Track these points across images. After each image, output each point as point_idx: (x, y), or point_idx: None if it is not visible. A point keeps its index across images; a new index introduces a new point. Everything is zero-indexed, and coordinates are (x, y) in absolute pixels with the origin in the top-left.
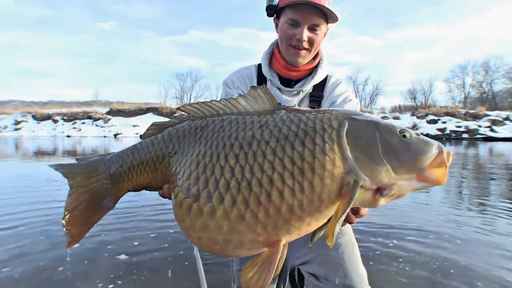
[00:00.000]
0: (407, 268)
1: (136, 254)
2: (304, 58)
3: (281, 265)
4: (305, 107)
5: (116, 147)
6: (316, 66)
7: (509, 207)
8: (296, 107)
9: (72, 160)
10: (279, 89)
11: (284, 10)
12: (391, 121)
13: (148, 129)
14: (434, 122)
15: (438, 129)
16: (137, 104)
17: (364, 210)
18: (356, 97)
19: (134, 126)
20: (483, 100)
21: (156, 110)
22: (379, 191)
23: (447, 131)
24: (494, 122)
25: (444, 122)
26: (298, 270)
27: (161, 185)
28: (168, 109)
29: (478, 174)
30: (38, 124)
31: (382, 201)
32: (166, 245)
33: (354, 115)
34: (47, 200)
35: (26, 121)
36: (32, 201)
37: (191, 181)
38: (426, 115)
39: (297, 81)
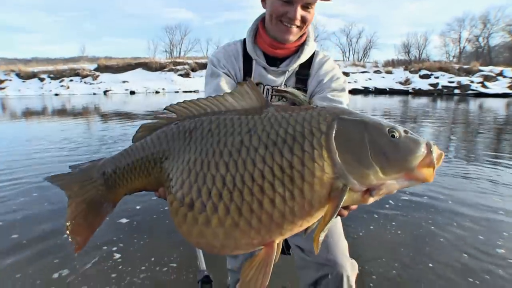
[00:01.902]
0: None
1: (136, 217)
2: (294, 36)
3: (279, 255)
4: (290, 88)
5: (107, 104)
6: (303, 44)
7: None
8: (283, 104)
9: (67, 168)
10: (264, 68)
11: None
12: (379, 119)
13: (137, 132)
14: (427, 77)
15: (430, 84)
16: (126, 59)
17: (354, 206)
18: (349, 51)
19: (124, 82)
20: (478, 55)
21: (145, 65)
22: (369, 191)
23: (439, 87)
24: (487, 78)
25: (437, 77)
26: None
27: (156, 188)
28: (158, 64)
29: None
30: (24, 83)
31: (371, 200)
32: (166, 208)
33: (343, 114)
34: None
35: (10, 80)
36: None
37: (184, 191)
38: (419, 69)
39: (282, 59)
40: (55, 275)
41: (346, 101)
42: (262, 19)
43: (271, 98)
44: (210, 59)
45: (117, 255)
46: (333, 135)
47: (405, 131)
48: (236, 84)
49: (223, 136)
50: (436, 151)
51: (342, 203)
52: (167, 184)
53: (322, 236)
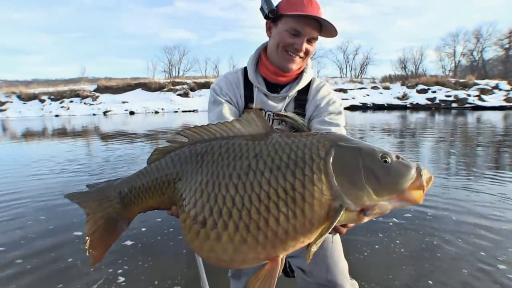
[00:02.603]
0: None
1: (141, 239)
2: (297, 65)
3: (282, 268)
4: (290, 113)
5: (106, 124)
6: (302, 71)
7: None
8: (281, 130)
9: (83, 187)
10: (265, 95)
11: (284, 17)
12: (373, 145)
13: (152, 155)
14: (424, 91)
15: (428, 99)
16: (125, 79)
17: (351, 224)
18: (346, 67)
19: (124, 102)
20: (473, 68)
21: (144, 86)
22: (363, 211)
23: (437, 101)
24: (483, 91)
25: (434, 92)
26: (288, 261)
27: (169, 206)
28: (157, 84)
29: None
30: (25, 105)
31: (366, 219)
32: (171, 229)
33: (340, 141)
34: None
35: (11, 102)
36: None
37: (198, 209)
38: (416, 84)
39: (283, 85)
40: None
41: (343, 123)
42: (264, 48)
43: (272, 122)
44: (212, 87)
45: (122, 278)
46: (331, 160)
47: (397, 157)
48: (237, 111)
49: (232, 160)
50: (425, 174)
51: (336, 222)
52: (180, 203)
53: (314, 248)
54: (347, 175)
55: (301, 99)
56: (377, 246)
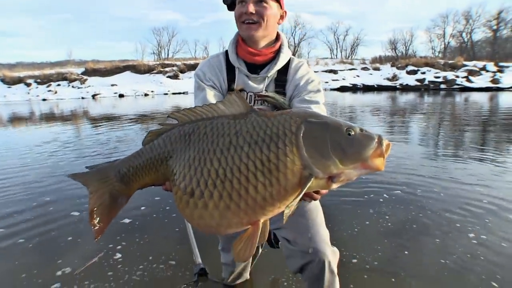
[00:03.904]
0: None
1: (138, 218)
2: (257, 31)
3: (267, 234)
4: (271, 93)
5: (95, 107)
6: (278, 51)
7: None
8: (264, 109)
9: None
10: (246, 76)
11: None
12: (340, 120)
13: (146, 136)
14: (413, 72)
15: (417, 80)
16: (114, 62)
17: (323, 191)
18: (336, 48)
19: (112, 85)
20: (462, 50)
21: (133, 68)
22: (331, 178)
23: (426, 82)
24: (471, 73)
25: (424, 73)
26: (274, 233)
27: (164, 182)
28: (146, 66)
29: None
30: (9, 89)
31: (334, 186)
32: (167, 207)
33: (310, 117)
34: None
35: None
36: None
37: (186, 182)
38: (406, 65)
39: (262, 66)
40: (58, 273)
41: (322, 100)
42: None
43: (255, 102)
44: (196, 73)
45: (118, 255)
46: (301, 134)
47: (361, 129)
48: (220, 94)
49: (215, 138)
50: (385, 143)
51: (307, 188)
52: (172, 178)
53: (287, 211)
54: (315, 147)
55: (281, 80)
56: (367, 222)
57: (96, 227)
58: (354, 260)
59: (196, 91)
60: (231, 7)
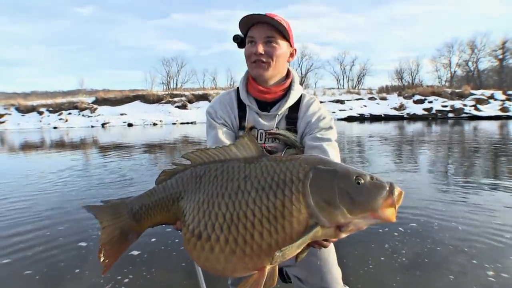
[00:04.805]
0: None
1: (146, 250)
2: (266, 71)
3: (275, 280)
4: (282, 130)
5: (104, 136)
6: (289, 88)
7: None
8: (275, 146)
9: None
10: (257, 113)
11: (246, 37)
12: (349, 167)
13: (159, 176)
14: (420, 102)
15: (425, 109)
16: (123, 91)
17: (333, 239)
18: (343, 78)
19: (122, 114)
20: (469, 79)
21: (143, 98)
22: (339, 227)
23: (433, 111)
24: (479, 101)
25: (431, 102)
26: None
27: (174, 222)
28: (155, 96)
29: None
30: (23, 117)
31: (342, 235)
32: (176, 240)
33: (319, 164)
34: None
35: (10, 114)
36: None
37: (195, 224)
38: (413, 95)
39: (272, 104)
40: None
41: (334, 137)
42: None
43: (266, 140)
44: (208, 111)
45: None
46: (308, 182)
47: (371, 177)
48: (232, 132)
49: (225, 181)
50: (397, 192)
51: (314, 237)
52: (183, 219)
53: (279, 253)
54: (322, 195)
55: (292, 117)
56: (382, 258)
57: (106, 261)
58: None
59: (207, 129)
60: (240, 45)
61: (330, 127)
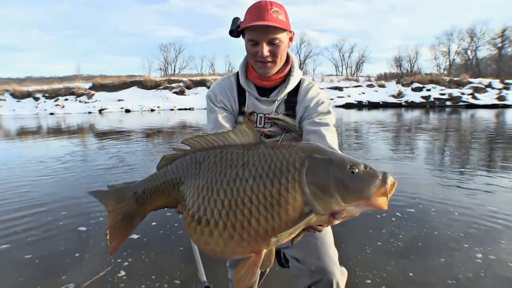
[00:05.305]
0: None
1: (146, 234)
2: (272, 69)
3: (272, 261)
4: (281, 115)
5: (102, 122)
6: (288, 74)
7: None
8: (273, 131)
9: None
10: (256, 98)
11: (245, 30)
12: (344, 156)
13: (160, 161)
14: (419, 89)
15: (423, 97)
16: (121, 77)
17: (327, 224)
18: (342, 65)
19: (119, 100)
20: (467, 67)
21: (140, 83)
22: (333, 214)
23: (431, 99)
24: (477, 90)
25: (429, 90)
26: (284, 252)
27: (176, 205)
28: (153, 82)
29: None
30: (18, 103)
31: (336, 221)
32: (176, 224)
33: (315, 152)
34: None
35: (5, 100)
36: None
37: (195, 209)
38: (411, 82)
39: (271, 89)
40: None
41: (332, 122)
42: None
43: (265, 124)
44: (208, 95)
45: (123, 272)
46: (304, 171)
47: (365, 167)
48: (231, 116)
49: (224, 168)
50: (390, 181)
51: (306, 223)
52: (183, 203)
53: (274, 239)
54: (317, 184)
55: (291, 101)
56: (379, 243)
57: (113, 243)
58: (368, 281)
59: (208, 113)
60: (236, 36)
61: (329, 112)
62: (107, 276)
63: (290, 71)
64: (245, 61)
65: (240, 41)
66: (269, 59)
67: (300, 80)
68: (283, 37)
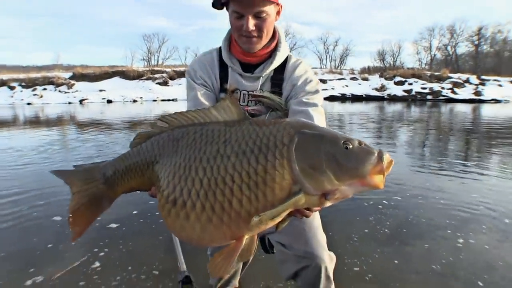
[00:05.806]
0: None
1: (125, 223)
2: (258, 44)
3: (252, 251)
4: (266, 93)
5: (83, 113)
6: (275, 49)
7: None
8: (258, 109)
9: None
10: (240, 75)
11: (229, 2)
12: (336, 132)
13: (134, 139)
14: (401, 83)
15: (405, 91)
16: (102, 67)
17: (316, 208)
18: (326, 58)
19: (101, 90)
20: (447, 62)
21: (122, 74)
22: (324, 195)
23: (413, 93)
24: (456, 85)
25: (411, 84)
26: (268, 238)
27: (149, 187)
28: (135, 72)
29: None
30: None
31: (328, 203)
32: (157, 213)
33: (304, 128)
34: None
35: None
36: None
37: (170, 190)
38: (394, 76)
39: (256, 65)
40: (28, 282)
41: (320, 102)
42: None
43: (248, 102)
44: (187, 71)
45: (97, 263)
46: (294, 147)
47: (360, 143)
48: (212, 93)
49: (204, 145)
50: (386, 159)
51: (292, 203)
52: (157, 184)
53: (256, 218)
54: (308, 160)
55: (277, 78)
56: (366, 231)
57: (76, 229)
58: (356, 268)
59: (187, 90)
60: (219, 8)
61: (317, 91)
62: (81, 267)
63: (276, 46)
64: (228, 34)
65: (224, 32)
66: (255, 34)
67: (287, 57)
68: (270, 10)
